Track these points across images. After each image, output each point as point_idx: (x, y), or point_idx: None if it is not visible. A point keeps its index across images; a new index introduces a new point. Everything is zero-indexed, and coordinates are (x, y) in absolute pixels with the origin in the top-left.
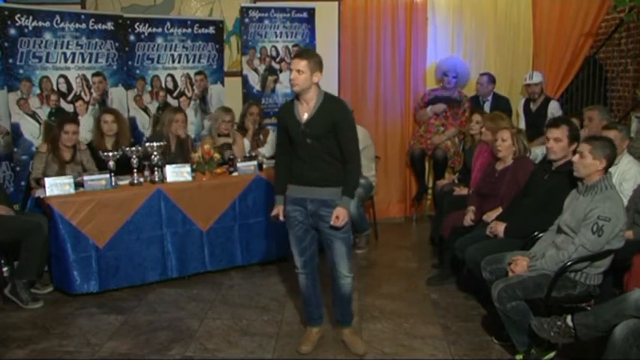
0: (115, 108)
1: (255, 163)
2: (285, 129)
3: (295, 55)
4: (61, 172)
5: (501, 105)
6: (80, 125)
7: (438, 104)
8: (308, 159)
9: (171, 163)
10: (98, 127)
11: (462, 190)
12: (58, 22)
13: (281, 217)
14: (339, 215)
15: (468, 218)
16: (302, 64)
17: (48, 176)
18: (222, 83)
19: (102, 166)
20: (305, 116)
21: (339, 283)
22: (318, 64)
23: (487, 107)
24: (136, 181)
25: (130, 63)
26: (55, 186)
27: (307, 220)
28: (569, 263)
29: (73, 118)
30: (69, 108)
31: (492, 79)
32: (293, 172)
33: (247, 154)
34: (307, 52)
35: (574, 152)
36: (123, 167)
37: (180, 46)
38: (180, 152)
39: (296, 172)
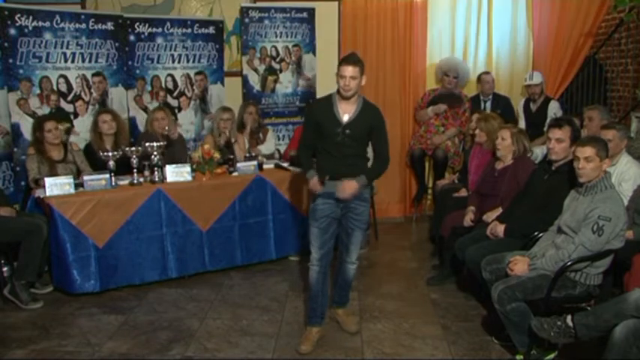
0: (112, 108)
1: (255, 163)
2: (316, 125)
3: (346, 62)
4: (52, 173)
5: (502, 104)
6: (79, 126)
7: (439, 104)
8: (340, 155)
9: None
10: (96, 128)
11: (462, 192)
12: (58, 22)
13: (319, 188)
14: (348, 187)
15: (468, 219)
16: (355, 70)
17: (42, 176)
18: (222, 83)
19: (99, 168)
20: (346, 117)
21: (346, 268)
22: (364, 67)
23: (488, 106)
24: (135, 181)
25: (130, 63)
26: (55, 186)
27: (335, 213)
28: (569, 263)
29: (49, 116)
30: (69, 108)
31: (492, 78)
32: (323, 167)
33: (247, 154)
34: (355, 57)
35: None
36: (123, 167)
37: (180, 46)
38: (172, 153)
39: (327, 167)
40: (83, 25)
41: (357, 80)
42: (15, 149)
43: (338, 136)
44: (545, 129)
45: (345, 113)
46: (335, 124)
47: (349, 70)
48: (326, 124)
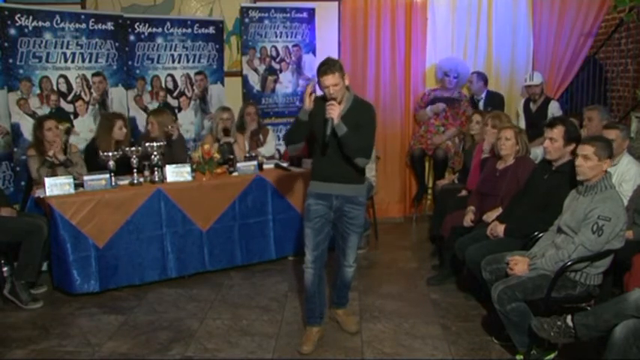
0: (113, 108)
1: (255, 163)
2: (310, 119)
3: (323, 72)
4: (53, 173)
5: (495, 101)
6: (79, 126)
7: (438, 103)
8: (330, 156)
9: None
10: (109, 132)
11: (464, 192)
12: (58, 22)
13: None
14: (332, 109)
15: (468, 219)
16: (335, 77)
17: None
18: (222, 83)
19: (100, 169)
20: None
21: (344, 271)
22: (342, 68)
23: (481, 105)
24: (135, 181)
25: (130, 63)
26: (55, 186)
27: (328, 215)
28: (569, 263)
29: (49, 115)
30: (69, 108)
31: (482, 77)
32: (316, 169)
33: (247, 154)
34: (330, 63)
35: (572, 153)
36: (123, 167)
37: (180, 46)
38: (170, 154)
39: (319, 169)
40: (83, 25)
41: (339, 85)
42: (15, 149)
43: (326, 137)
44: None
45: None
46: (322, 124)
47: (328, 80)
48: (315, 123)
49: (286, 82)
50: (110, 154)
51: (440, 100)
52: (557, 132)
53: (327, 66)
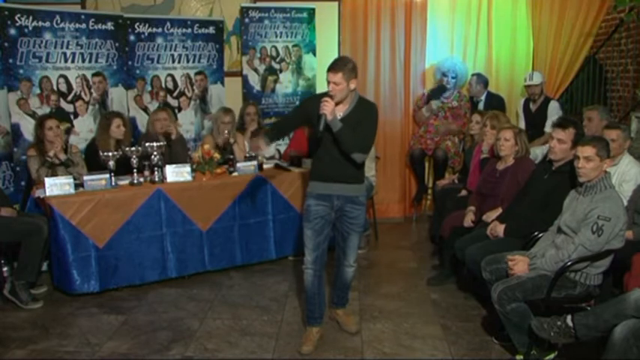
0: (113, 109)
1: (255, 163)
2: (306, 116)
3: (330, 67)
4: (53, 173)
5: (495, 103)
6: (79, 126)
7: (430, 102)
8: (333, 154)
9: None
10: (107, 131)
11: (463, 192)
12: (58, 22)
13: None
14: (326, 105)
15: (468, 219)
16: (338, 76)
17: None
18: (222, 83)
19: (100, 168)
20: (337, 117)
21: (344, 271)
22: (352, 72)
23: (481, 107)
24: (135, 181)
25: (130, 63)
26: (55, 186)
27: (329, 215)
28: (569, 263)
29: (49, 114)
30: (69, 108)
31: (482, 79)
32: (317, 169)
33: (247, 154)
34: (340, 62)
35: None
36: (123, 167)
37: (180, 46)
38: (170, 154)
39: (320, 169)
40: (83, 25)
41: (341, 85)
42: (15, 149)
43: (319, 132)
44: (545, 129)
45: (337, 113)
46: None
47: (331, 76)
48: (316, 121)
49: (286, 82)
50: (110, 154)
51: (432, 95)
52: (568, 134)
53: (336, 64)
